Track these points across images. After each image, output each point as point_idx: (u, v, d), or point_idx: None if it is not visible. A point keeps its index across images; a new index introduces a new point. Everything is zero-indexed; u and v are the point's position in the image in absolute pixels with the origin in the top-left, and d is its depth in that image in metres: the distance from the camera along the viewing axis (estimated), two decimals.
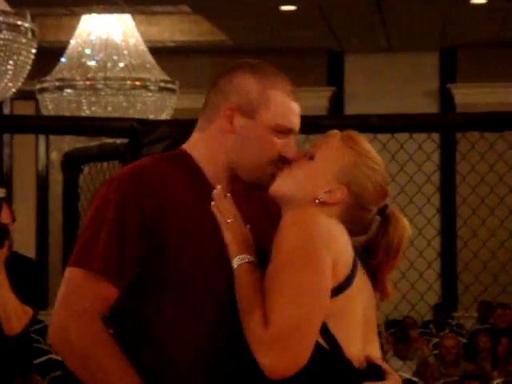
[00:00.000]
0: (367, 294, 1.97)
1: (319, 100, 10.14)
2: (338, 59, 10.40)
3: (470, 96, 9.80)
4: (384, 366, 1.98)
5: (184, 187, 2.01)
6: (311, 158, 1.99)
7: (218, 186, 1.98)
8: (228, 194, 1.98)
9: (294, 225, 1.90)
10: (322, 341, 1.87)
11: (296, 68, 10.05)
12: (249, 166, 2.04)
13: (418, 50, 10.03)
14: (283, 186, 2.00)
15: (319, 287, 1.85)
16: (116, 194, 1.96)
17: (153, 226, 1.95)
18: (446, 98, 10.17)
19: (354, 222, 1.98)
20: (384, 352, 6.74)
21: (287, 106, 2.04)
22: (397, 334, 7.27)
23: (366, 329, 1.95)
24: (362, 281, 1.94)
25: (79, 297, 1.96)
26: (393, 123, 3.23)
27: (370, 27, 9.07)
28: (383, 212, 2.01)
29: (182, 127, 3.32)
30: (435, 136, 3.43)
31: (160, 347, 1.99)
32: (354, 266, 1.92)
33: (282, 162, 2.02)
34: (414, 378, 6.20)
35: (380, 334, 7.33)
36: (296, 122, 2.05)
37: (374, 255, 1.99)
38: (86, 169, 4.00)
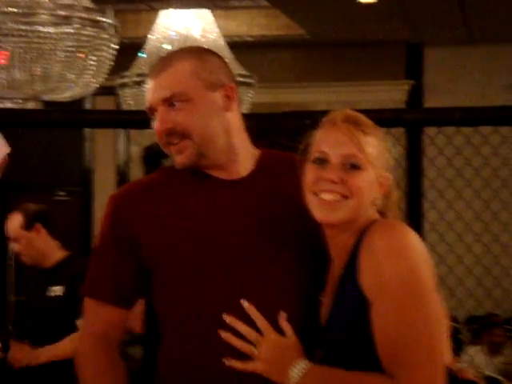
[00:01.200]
0: None
1: (397, 93, 10.04)
2: (417, 52, 10.28)
3: None
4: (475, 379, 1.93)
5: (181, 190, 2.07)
6: (359, 168, 1.86)
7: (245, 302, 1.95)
8: None
9: (394, 254, 1.75)
10: None
11: (374, 61, 9.98)
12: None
13: (500, 41, 9.84)
14: (346, 214, 1.87)
15: (438, 317, 1.74)
16: (103, 218, 2.10)
17: (136, 241, 2.03)
18: None
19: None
20: (465, 348, 6.66)
21: (146, 88, 2.06)
22: (481, 330, 7.16)
23: None
24: None
25: (88, 323, 2.10)
26: (477, 116, 3.17)
27: (449, 19, 8.93)
28: None
29: (259, 121, 3.32)
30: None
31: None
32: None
33: (166, 137, 2.03)
34: (499, 377, 6.09)
35: (460, 331, 7.23)
36: (149, 98, 2.04)
37: None
38: (165, 162, 4.03)
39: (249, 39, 9.77)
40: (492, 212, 4.34)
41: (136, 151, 9.73)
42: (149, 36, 6.84)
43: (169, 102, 2.03)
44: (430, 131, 3.56)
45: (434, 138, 3.28)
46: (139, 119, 3.79)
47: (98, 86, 4.19)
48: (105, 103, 9.48)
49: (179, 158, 2.04)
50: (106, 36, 3.89)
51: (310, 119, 3.26)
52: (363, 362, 1.78)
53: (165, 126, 2.02)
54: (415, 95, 10.18)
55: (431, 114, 2.95)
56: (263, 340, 1.89)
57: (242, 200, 2.05)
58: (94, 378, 2.05)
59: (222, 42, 6.72)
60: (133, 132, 9.74)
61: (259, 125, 3.29)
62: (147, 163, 3.75)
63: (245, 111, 6.73)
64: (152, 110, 2.06)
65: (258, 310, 1.95)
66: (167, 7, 6.88)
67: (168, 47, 6.60)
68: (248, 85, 6.87)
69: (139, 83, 6.57)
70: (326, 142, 1.88)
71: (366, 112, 1.99)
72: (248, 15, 9.59)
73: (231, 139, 2.09)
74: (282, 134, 3.23)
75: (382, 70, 10.02)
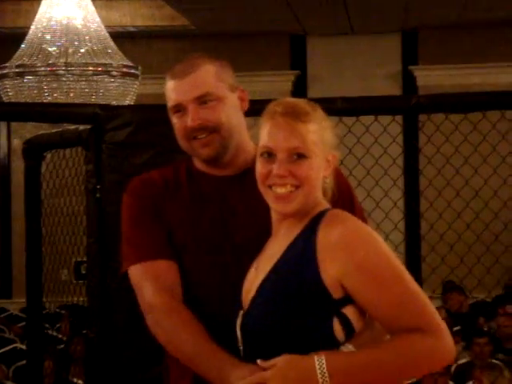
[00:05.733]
0: None
1: (283, 84, 10.12)
2: (300, 42, 10.38)
3: (431, 78, 9.84)
4: None
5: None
6: (304, 157, 1.98)
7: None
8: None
9: (359, 242, 1.91)
10: None
11: (259, 52, 10.04)
12: (184, 150, 2.30)
13: (380, 32, 10.04)
14: (300, 203, 1.99)
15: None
16: (129, 195, 2.34)
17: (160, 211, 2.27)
18: (408, 81, 10.20)
19: None
20: None
21: (169, 87, 2.28)
22: None
23: None
24: None
25: (146, 287, 2.22)
26: (358, 106, 3.22)
27: (331, 10, 9.05)
28: None
29: (144, 112, 3.29)
30: (398, 118, 3.43)
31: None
32: None
33: (193, 132, 2.23)
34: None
35: None
36: (176, 97, 2.26)
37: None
38: (48, 156, 3.95)
39: (132, 30, 9.67)
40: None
41: (18, 144, 9.52)
42: (31, 27, 6.69)
43: (200, 100, 2.24)
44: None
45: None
46: (21, 111, 3.71)
47: None
48: None
49: (206, 150, 2.25)
50: None
51: None
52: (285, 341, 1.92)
53: (197, 121, 2.23)
54: (300, 85, 10.28)
55: None
56: (273, 369, 1.91)
57: (239, 193, 2.25)
58: (177, 328, 2.14)
59: (103, 31, 6.63)
60: (14, 124, 9.52)
61: (144, 116, 3.26)
62: (28, 156, 3.66)
63: (130, 102, 6.68)
64: (180, 107, 2.25)
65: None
66: None
67: (49, 37, 6.47)
68: (133, 76, 6.80)
69: (20, 74, 6.43)
70: (269, 137, 2.00)
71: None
72: (131, 5, 9.49)
73: (241, 136, 2.30)
74: (166, 125, 3.21)
75: (267, 61, 10.09)
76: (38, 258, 3.69)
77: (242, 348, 2.00)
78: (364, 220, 2.18)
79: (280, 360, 1.88)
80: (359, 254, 1.89)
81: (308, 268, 1.91)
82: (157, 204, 2.28)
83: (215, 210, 2.24)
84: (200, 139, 2.25)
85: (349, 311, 1.93)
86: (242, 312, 2.02)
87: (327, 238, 1.92)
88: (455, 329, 6.85)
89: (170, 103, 2.28)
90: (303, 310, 1.91)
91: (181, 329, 2.12)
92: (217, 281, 2.19)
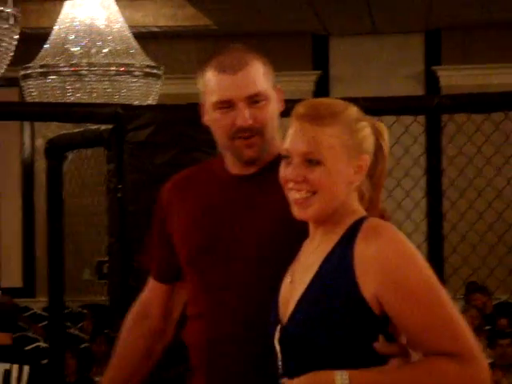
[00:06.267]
0: None
1: (305, 84, 10.11)
2: (323, 42, 10.36)
3: (455, 78, 9.79)
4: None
5: (207, 181, 2.25)
6: (318, 163, 1.90)
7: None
8: None
9: (397, 257, 1.84)
10: None
11: (281, 52, 10.02)
12: (223, 147, 2.21)
13: (403, 32, 10.00)
14: (318, 208, 1.92)
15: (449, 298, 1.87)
16: None
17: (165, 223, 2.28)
18: (431, 81, 10.15)
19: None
20: None
21: (216, 81, 2.15)
22: None
23: None
24: None
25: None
26: (379, 106, 3.21)
27: (354, 9, 9.03)
28: (377, 130, 1.99)
29: (166, 112, 3.30)
30: (421, 119, 3.41)
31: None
32: None
33: (240, 131, 2.14)
34: None
35: None
36: (229, 93, 2.13)
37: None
38: (70, 156, 3.97)
39: (155, 30, 9.69)
40: None
41: (41, 144, 9.57)
42: (54, 27, 6.72)
43: (252, 99, 2.15)
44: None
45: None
46: (44, 111, 3.73)
47: None
48: (8, 95, 9.29)
49: (249, 151, 2.17)
50: (6, 26, 3.81)
51: None
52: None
53: (248, 121, 2.14)
54: (322, 85, 10.27)
55: None
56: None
57: (259, 191, 2.20)
58: (121, 328, 2.38)
59: (127, 32, 6.65)
60: (38, 124, 9.57)
61: (165, 116, 3.27)
62: (51, 156, 3.68)
63: (152, 102, 6.70)
64: (229, 103, 2.15)
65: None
66: None
67: (72, 38, 6.51)
68: (155, 76, 6.82)
69: (44, 74, 6.46)
70: (288, 139, 1.95)
71: None
72: (154, 5, 9.51)
73: (274, 137, 2.23)
74: (187, 125, 3.21)
75: (290, 61, 10.07)
76: (59, 257, 3.71)
77: (280, 363, 1.93)
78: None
79: (304, 376, 1.84)
80: (396, 270, 1.82)
81: (347, 282, 1.85)
82: (165, 217, 2.28)
83: (234, 210, 2.19)
84: (244, 139, 2.16)
85: (394, 329, 1.88)
86: (280, 326, 1.94)
87: (364, 253, 1.84)
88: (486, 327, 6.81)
89: (216, 98, 2.15)
90: (345, 326, 1.84)
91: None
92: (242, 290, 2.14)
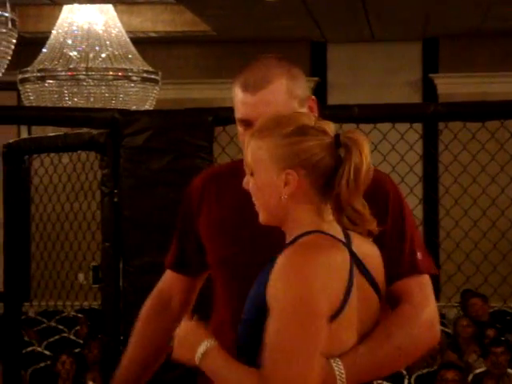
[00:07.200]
0: (363, 295, 1.93)
1: None
2: (321, 49, 10.38)
3: (452, 86, 9.81)
4: None
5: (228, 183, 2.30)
6: (252, 174, 1.97)
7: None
8: None
9: (291, 270, 1.84)
10: None
11: None
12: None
13: (401, 40, 10.02)
14: (262, 216, 1.99)
15: (316, 346, 1.83)
16: None
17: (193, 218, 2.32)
18: (428, 89, 10.18)
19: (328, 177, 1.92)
20: None
21: (239, 98, 2.23)
22: None
23: (364, 329, 1.95)
24: (357, 285, 1.91)
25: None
26: (375, 113, 3.23)
27: (352, 17, 9.05)
28: (338, 142, 1.91)
29: (162, 118, 3.30)
30: (417, 126, 3.42)
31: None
32: (350, 281, 1.88)
33: None
34: None
35: None
36: (248, 112, 2.18)
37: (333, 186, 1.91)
38: (46, 160, 3.98)
39: (153, 35, 9.71)
40: None
41: None
42: (52, 31, 6.74)
43: None
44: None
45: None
46: (40, 115, 3.74)
47: None
48: (6, 99, 9.29)
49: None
50: (4, 30, 3.82)
51: (211, 116, 3.27)
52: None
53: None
54: (320, 92, 10.29)
55: (329, 110, 3.00)
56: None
57: None
58: (138, 320, 2.41)
59: (124, 37, 6.67)
60: (35, 128, 9.57)
61: (162, 121, 3.28)
62: (6, 160, 3.69)
63: (150, 107, 6.71)
64: (246, 122, 2.20)
65: None
66: (70, 2, 6.79)
67: (70, 42, 6.52)
68: (153, 81, 6.84)
69: (41, 79, 6.48)
70: None
71: None
72: (152, 11, 9.52)
73: None
74: (183, 130, 3.22)
75: None
76: (17, 263, 3.72)
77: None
78: (415, 233, 2.15)
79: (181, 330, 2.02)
80: (280, 284, 1.84)
81: (263, 286, 1.89)
82: (192, 213, 2.31)
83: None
84: None
85: None
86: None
87: (277, 263, 1.87)
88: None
89: (238, 115, 2.23)
90: (260, 324, 1.88)
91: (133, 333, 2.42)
92: None
